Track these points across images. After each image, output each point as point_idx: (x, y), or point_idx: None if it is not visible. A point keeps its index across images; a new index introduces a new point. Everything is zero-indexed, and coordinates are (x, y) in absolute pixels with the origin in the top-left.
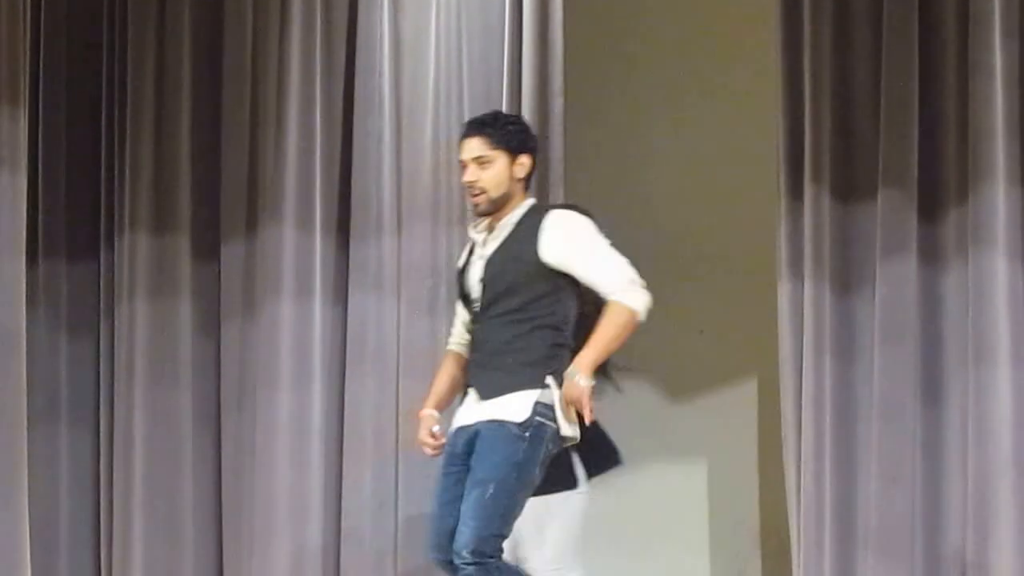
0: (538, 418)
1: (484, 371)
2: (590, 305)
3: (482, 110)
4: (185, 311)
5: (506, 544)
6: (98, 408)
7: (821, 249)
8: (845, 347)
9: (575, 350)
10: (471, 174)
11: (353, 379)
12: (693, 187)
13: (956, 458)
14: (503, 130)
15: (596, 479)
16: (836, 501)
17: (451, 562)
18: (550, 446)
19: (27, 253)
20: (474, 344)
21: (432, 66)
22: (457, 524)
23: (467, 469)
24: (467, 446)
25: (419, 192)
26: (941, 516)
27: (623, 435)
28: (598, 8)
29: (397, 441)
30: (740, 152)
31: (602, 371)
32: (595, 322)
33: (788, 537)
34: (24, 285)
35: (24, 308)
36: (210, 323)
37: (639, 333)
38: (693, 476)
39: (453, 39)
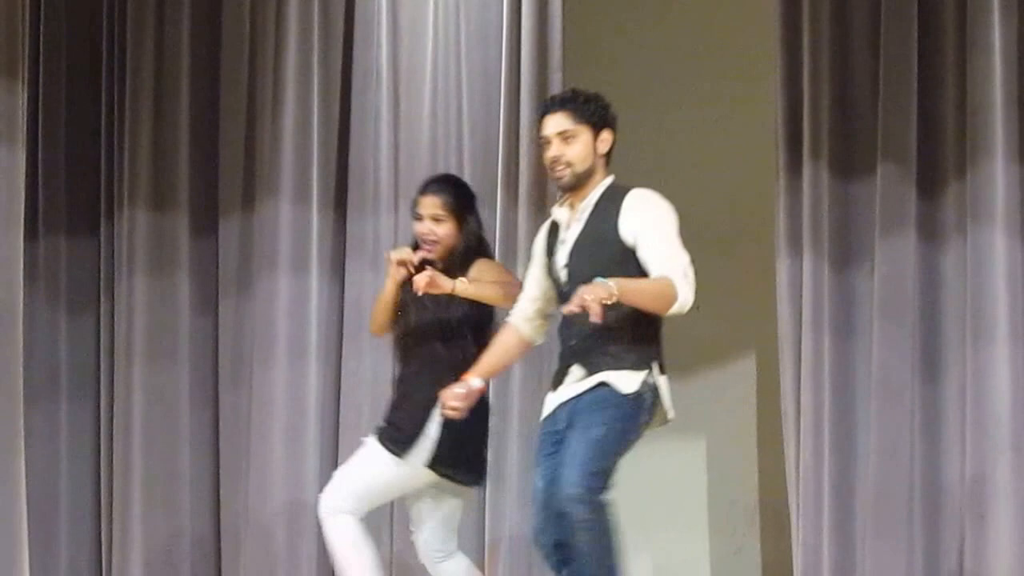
0: (645, 393)
1: (585, 356)
2: None
3: (480, 85)
4: (183, 287)
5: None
6: (97, 383)
7: (820, 226)
8: (844, 323)
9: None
10: (556, 149)
11: (349, 354)
12: (692, 163)
13: (954, 433)
14: (585, 105)
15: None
16: (835, 477)
17: (558, 545)
18: (647, 417)
19: (27, 229)
20: (567, 331)
21: (430, 41)
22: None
23: None
24: (569, 417)
25: (416, 167)
26: (939, 492)
27: None
28: None
29: None
30: (739, 129)
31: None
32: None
33: (786, 513)
34: (21, 260)
35: (21, 283)
36: (208, 299)
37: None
38: (691, 453)
39: (451, 14)
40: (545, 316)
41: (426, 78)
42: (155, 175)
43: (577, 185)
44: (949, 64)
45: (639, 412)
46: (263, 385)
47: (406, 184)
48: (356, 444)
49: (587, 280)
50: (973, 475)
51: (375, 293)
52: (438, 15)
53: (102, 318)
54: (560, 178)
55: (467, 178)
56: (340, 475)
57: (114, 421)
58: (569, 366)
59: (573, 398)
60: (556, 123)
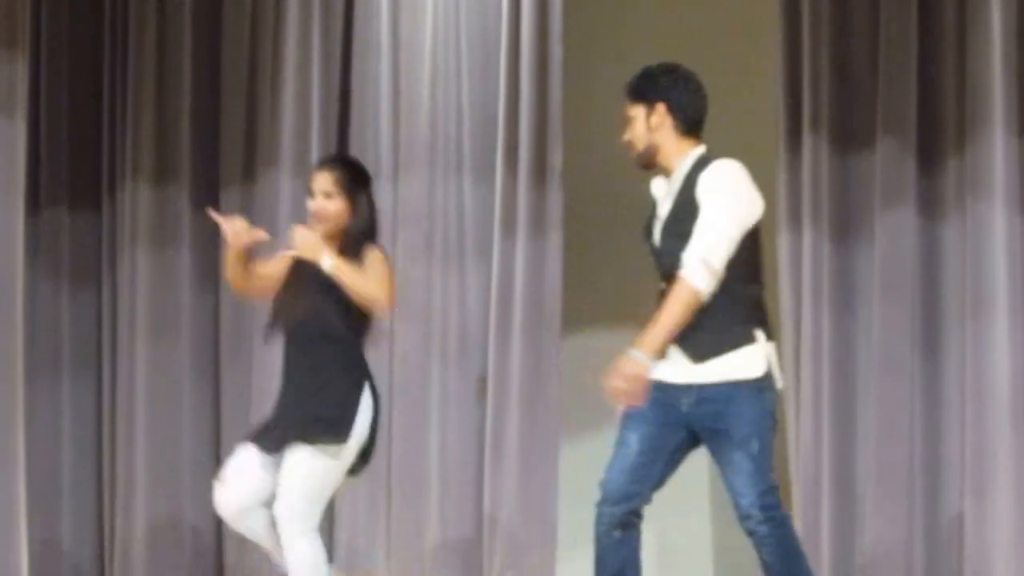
0: (769, 370)
1: (691, 333)
2: None
3: (480, 56)
4: (185, 262)
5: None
6: (100, 358)
7: (820, 201)
8: (844, 298)
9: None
10: (626, 132)
11: None
12: None
13: (954, 408)
14: (635, 84)
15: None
16: (834, 453)
17: (630, 513)
18: (774, 393)
19: (29, 203)
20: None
21: (430, 14)
22: (663, 475)
23: (684, 429)
24: (693, 407)
25: (416, 139)
26: (939, 466)
27: None
28: None
29: (391, 386)
30: (739, 104)
31: None
32: None
33: (786, 489)
34: (21, 231)
35: (21, 255)
36: (209, 274)
37: (635, 286)
38: None
39: None
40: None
41: (426, 51)
42: (157, 148)
43: (645, 162)
44: (949, 39)
45: (773, 395)
46: (264, 359)
47: (406, 157)
48: None
49: (677, 256)
50: (972, 450)
51: None
52: None
53: (104, 293)
54: (633, 159)
55: (466, 151)
56: (284, 496)
57: (116, 395)
58: (673, 343)
59: (692, 386)
60: (625, 107)
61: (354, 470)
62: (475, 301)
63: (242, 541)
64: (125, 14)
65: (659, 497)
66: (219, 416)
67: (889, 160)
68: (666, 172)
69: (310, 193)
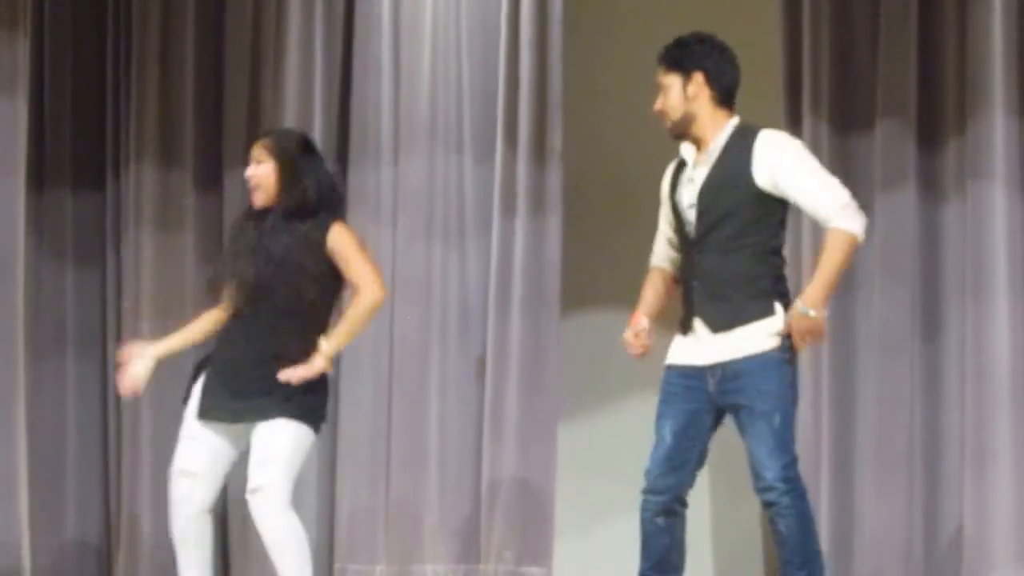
0: (788, 340)
1: (712, 301)
2: None
3: (480, 37)
4: (189, 243)
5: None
6: (104, 339)
7: None
8: (844, 279)
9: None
10: (658, 102)
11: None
12: None
13: (954, 388)
14: (671, 53)
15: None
16: (834, 431)
17: (674, 500)
18: (795, 358)
19: (33, 182)
20: (692, 271)
21: None
22: (701, 457)
23: (712, 410)
24: (719, 384)
25: (417, 119)
26: (939, 445)
27: (618, 371)
28: None
29: (391, 365)
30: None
31: None
32: None
33: None
34: (23, 210)
35: (22, 233)
36: (214, 254)
37: (634, 265)
38: None
39: None
40: (679, 251)
41: (426, 31)
42: (161, 129)
43: (680, 132)
44: (949, 20)
45: (794, 365)
46: None
47: (407, 137)
48: (354, 392)
49: (717, 221)
50: (973, 428)
51: (375, 244)
52: None
53: (108, 273)
54: (666, 128)
55: (467, 130)
56: (273, 464)
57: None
58: (694, 314)
59: (716, 364)
60: (659, 77)
61: None
62: (475, 280)
63: (247, 516)
64: None
65: None
66: None
67: (889, 141)
68: (700, 143)
69: (246, 164)
